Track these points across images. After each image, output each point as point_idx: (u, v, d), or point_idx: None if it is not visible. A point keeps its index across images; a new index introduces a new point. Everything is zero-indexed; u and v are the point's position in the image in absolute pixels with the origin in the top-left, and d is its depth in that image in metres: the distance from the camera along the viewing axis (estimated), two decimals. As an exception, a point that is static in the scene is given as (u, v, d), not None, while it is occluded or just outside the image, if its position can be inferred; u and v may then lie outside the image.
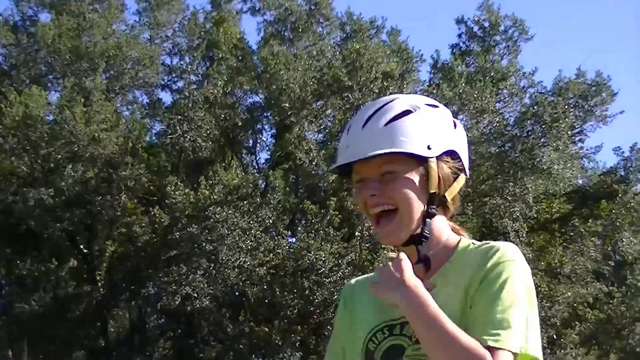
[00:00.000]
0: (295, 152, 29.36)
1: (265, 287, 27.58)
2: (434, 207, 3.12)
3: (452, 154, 3.27)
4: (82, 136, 26.49)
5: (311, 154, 29.13)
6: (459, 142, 3.35)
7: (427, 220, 3.10)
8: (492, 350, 2.79)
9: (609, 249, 32.31)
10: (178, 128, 29.59)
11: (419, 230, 3.07)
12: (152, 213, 26.64)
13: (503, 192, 29.51)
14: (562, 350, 27.17)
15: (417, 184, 3.08)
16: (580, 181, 34.26)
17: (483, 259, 3.01)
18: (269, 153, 32.70)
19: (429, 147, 3.18)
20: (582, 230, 30.84)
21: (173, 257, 27.28)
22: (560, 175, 30.57)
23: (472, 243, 3.19)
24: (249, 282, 27.01)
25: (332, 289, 26.88)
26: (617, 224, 31.56)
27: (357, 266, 27.27)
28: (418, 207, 3.05)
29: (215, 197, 26.28)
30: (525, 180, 29.56)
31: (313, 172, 29.54)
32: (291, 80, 28.90)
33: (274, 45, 30.55)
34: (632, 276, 30.13)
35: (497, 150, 30.75)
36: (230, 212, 25.96)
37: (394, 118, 3.26)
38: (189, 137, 29.59)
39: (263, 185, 28.97)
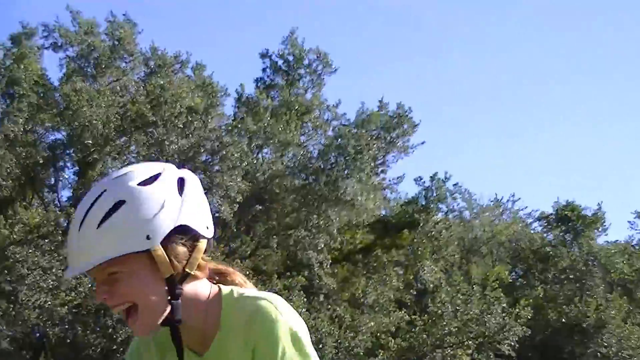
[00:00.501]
0: (98, 190, 28.92)
1: (67, 326, 26.82)
2: (178, 287, 3.12)
3: (181, 229, 3.25)
4: None
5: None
6: (188, 209, 3.30)
7: (176, 302, 3.12)
8: None
9: (411, 277, 33.15)
10: (-23, 166, 28.74)
11: (170, 315, 3.10)
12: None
13: (307, 224, 29.88)
14: (366, 380, 27.65)
15: (146, 276, 3.05)
16: (383, 211, 35.15)
17: (250, 338, 3.05)
18: (71, 190, 32.00)
19: (148, 237, 3.14)
20: (385, 260, 31.56)
21: None
22: (363, 207, 31.17)
23: (235, 297, 3.19)
24: (50, 322, 26.19)
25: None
26: (419, 252, 32.52)
27: None
28: (156, 296, 3.03)
29: (15, 236, 25.59)
30: (329, 212, 30.03)
31: (116, 209, 29.22)
32: (94, 116, 28.49)
33: (76, 82, 29.99)
34: (432, 304, 30.83)
35: (301, 183, 31.15)
36: (30, 251, 25.35)
37: (106, 216, 3.16)
38: (-12, 175, 28.84)
39: (65, 224, 28.45)
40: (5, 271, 25.22)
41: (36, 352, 26.99)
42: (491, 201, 43.33)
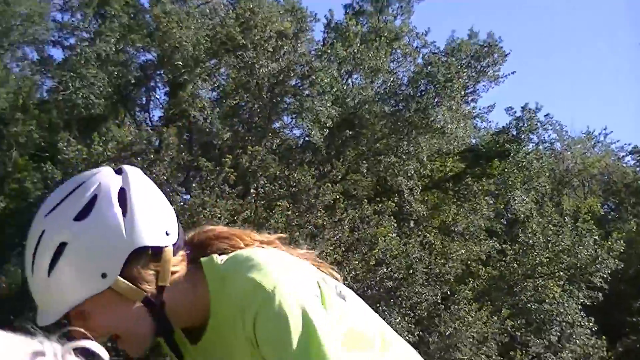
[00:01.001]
0: (189, 110, 28.92)
1: None
2: (157, 300, 3.11)
3: (137, 252, 3.14)
4: (-30, 92, 25.79)
5: (205, 112, 28.77)
6: (138, 228, 3.17)
7: (160, 315, 3.11)
8: None
9: (501, 207, 32.66)
10: (70, 85, 28.82)
11: (159, 326, 3.10)
12: (45, 169, 25.92)
13: (397, 150, 29.55)
14: (456, 306, 27.29)
15: (118, 307, 3.04)
16: (473, 140, 34.58)
17: (246, 327, 3.01)
18: (162, 111, 32.29)
19: (103, 276, 3.05)
20: (475, 188, 31.11)
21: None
22: (453, 135, 30.75)
23: (220, 277, 3.14)
24: None
25: None
26: (509, 182, 31.96)
27: (253, 222, 26.55)
28: (135, 321, 3.06)
29: (108, 153, 25.69)
30: (419, 139, 29.68)
31: (207, 129, 29.20)
32: (184, 38, 28.40)
33: (166, 4, 29.98)
34: (523, 234, 30.37)
35: (391, 109, 30.79)
36: (123, 168, 25.08)
37: (52, 263, 3.06)
38: (81, 94, 28.88)
39: (157, 143, 28.49)
40: (100, 187, 24.92)
41: None
42: (583, 134, 42.64)
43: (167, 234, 3.23)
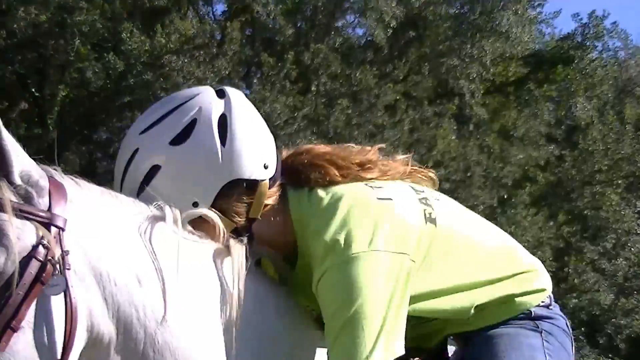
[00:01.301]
0: (252, 5, 28.65)
1: None
2: (245, 232, 3.20)
3: (231, 184, 3.15)
4: (34, -21, 25.71)
5: (268, 8, 28.55)
6: (236, 159, 3.14)
7: (249, 243, 3.18)
8: None
9: (562, 113, 32.33)
10: (134, -25, 28.60)
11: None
12: (107, 59, 26.12)
13: (460, 53, 29.18)
14: (513, 210, 27.30)
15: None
16: (537, 46, 34.02)
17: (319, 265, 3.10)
18: (225, 5, 31.77)
19: (194, 204, 3.11)
20: (537, 94, 30.76)
21: (126, 104, 26.83)
22: (517, 39, 30.23)
23: (305, 222, 3.20)
24: None
25: (287, 141, 25.56)
26: (572, 89, 31.57)
27: (312, 120, 27.14)
28: None
29: (171, 45, 25.70)
30: (482, 42, 29.27)
31: (270, 25, 28.99)
32: None
33: None
34: (583, 141, 30.19)
35: (455, 11, 30.33)
36: (186, 61, 25.42)
37: (143, 185, 3.14)
38: (144, -15, 28.72)
39: (219, 37, 28.37)
40: (162, 79, 25.47)
41: None
42: (648, 43, 41.90)
43: (266, 167, 3.23)
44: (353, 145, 3.57)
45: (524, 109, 30.83)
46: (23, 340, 2.66)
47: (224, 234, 3.12)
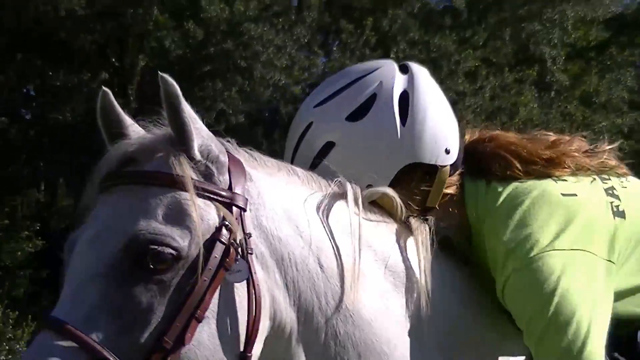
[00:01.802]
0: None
1: (297, 106, 26.74)
2: (426, 217, 3.04)
3: (410, 167, 3.01)
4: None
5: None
6: (416, 141, 3.01)
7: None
8: None
9: (646, 78, 31.86)
10: (212, -58, 28.63)
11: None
12: (186, 28, 26.18)
13: (541, 17, 28.82)
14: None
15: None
16: (619, 9, 33.50)
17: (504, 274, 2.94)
18: (303, -29, 31.95)
19: (368, 187, 2.98)
20: (619, 59, 30.33)
21: (207, 73, 26.86)
22: (599, 2, 29.95)
23: (480, 214, 3.05)
24: (283, 100, 26.84)
25: None
26: (655, 53, 31.13)
27: None
28: None
29: (250, 13, 25.56)
30: (563, 5, 28.88)
31: (348, -9, 28.95)
32: None
33: None
34: (669, 106, 29.78)
35: (535, -27, 30.00)
36: (265, 28, 25.33)
37: (316, 161, 3.06)
38: (222, -50, 28.76)
39: (297, 3, 28.37)
40: (241, 47, 25.35)
41: (268, 128, 27.38)
42: None
43: (447, 152, 3.05)
44: (549, 133, 3.36)
45: (606, 74, 30.42)
46: (207, 331, 2.57)
47: (404, 215, 2.98)
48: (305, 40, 26.48)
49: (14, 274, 24.80)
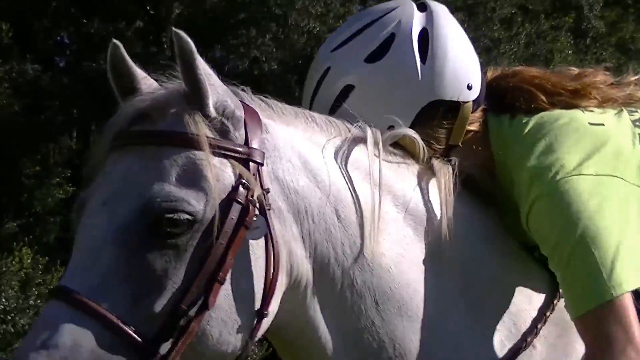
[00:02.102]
0: None
1: None
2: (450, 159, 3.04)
3: (431, 106, 3.01)
4: None
5: None
6: (438, 79, 3.01)
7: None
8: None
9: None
10: None
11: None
12: (221, -26, 26.22)
13: (579, -37, 28.65)
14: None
15: None
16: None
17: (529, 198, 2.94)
18: None
19: (389, 128, 2.98)
20: (658, 5, 30.20)
21: (241, 21, 26.78)
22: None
23: (505, 144, 3.05)
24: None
25: None
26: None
27: None
28: None
29: (285, -41, 25.56)
30: (601, -50, 28.67)
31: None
32: None
33: None
34: None
35: None
36: (303, -26, 25.22)
37: (334, 106, 3.04)
38: None
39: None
40: (275, -7, 25.28)
41: (302, 76, 27.46)
42: None
43: (470, 88, 3.03)
44: (572, 68, 3.35)
45: (643, 21, 30.31)
46: (224, 293, 2.54)
47: (426, 156, 2.98)
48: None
49: (45, 220, 25.03)
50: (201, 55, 2.77)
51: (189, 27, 29.45)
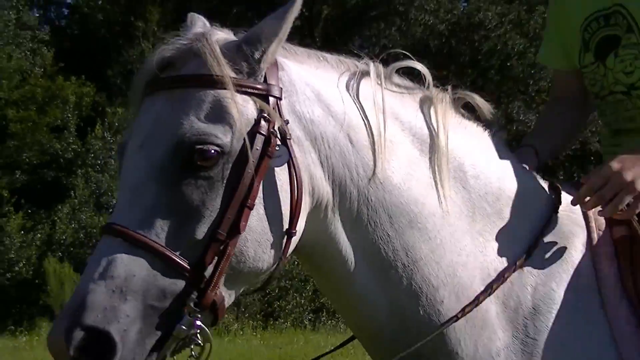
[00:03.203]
0: None
1: (443, 40, 32.58)
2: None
3: None
4: None
5: None
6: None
7: None
8: None
9: None
10: None
11: None
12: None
13: None
14: None
15: None
16: None
17: None
18: None
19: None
20: None
21: (373, 17, 32.05)
22: None
23: None
24: (431, 36, 31.84)
25: (496, 42, 31.37)
26: None
27: (516, 23, 31.96)
28: None
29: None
30: None
31: None
32: None
33: None
34: None
35: None
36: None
37: None
38: None
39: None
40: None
41: (420, 60, 32.24)
42: None
43: None
44: None
45: None
46: (256, 216, 2.57)
47: (430, 83, 2.99)
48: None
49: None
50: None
51: (334, 23, 35.17)
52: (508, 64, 32.11)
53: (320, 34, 32.92)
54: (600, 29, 3.26)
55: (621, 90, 3.23)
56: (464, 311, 2.80)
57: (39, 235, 27.28)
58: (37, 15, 36.92)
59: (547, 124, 3.58)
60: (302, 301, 23.60)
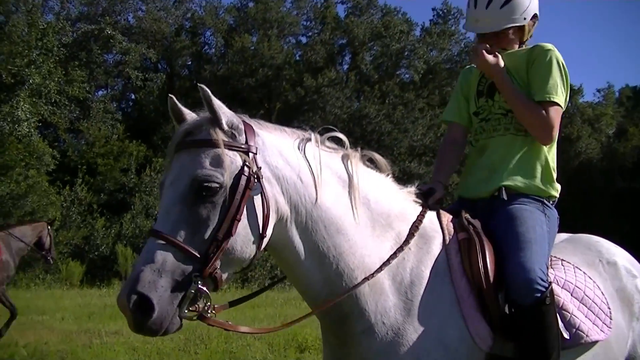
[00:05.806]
0: None
1: (346, 123, 42.37)
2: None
3: (533, 17, 4.35)
4: None
5: None
6: (537, 4, 4.26)
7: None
8: (542, 104, 4.15)
9: None
10: None
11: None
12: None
13: None
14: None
15: (515, 40, 4.41)
16: None
17: (530, 52, 4.26)
18: None
19: (524, 18, 4.27)
20: None
21: (305, 110, 42.60)
22: None
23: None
24: (339, 121, 41.60)
25: (374, 126, 43.40)
26: None
27: (387, 115, 43.90)
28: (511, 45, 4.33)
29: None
30: None
31: None
32: None
33: None
34: None
35: None
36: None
37: (506, 2, 4.23)
38: None
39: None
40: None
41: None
42: None
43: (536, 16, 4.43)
44: None
45: None
46: (242, 225, 3.47)
47: (348, 146, 4.04)
48: None
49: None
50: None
51: (283, 112, 45.10)
52: (382, 137, 45.17)
53: (275, 117, 43.74)
54: (488, 80, 4.49)
55: (501, 113, 4.44)
56: (366, 280, 3.77)
57: (113, 231, 34.97)
58: (115, 105, 48.45)
59: (445, 161, 4.65)
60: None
